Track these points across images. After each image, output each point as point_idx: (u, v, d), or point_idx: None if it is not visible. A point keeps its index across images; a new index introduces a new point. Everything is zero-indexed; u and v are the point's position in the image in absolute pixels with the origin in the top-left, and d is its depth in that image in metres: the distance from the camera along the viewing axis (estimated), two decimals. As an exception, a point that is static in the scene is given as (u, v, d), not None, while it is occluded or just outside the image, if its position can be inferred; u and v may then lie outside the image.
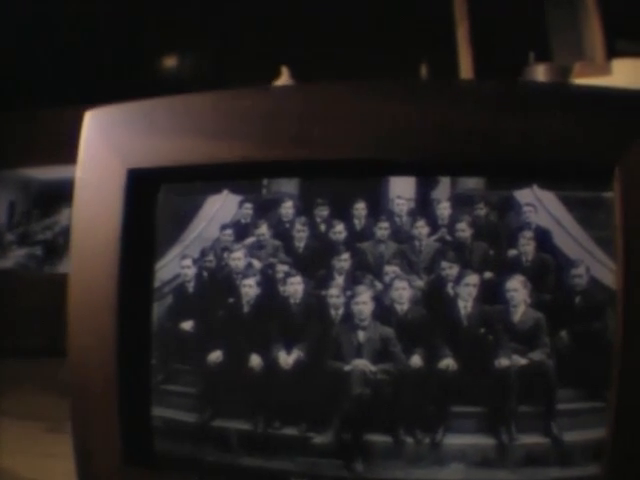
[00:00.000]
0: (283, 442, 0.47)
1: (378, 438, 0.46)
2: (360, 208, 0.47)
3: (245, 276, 0.49)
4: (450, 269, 0.46)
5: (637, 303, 0.42)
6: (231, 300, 0.49)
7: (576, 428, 0.44)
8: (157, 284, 0.50)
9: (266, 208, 0.49)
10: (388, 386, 0.46)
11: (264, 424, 0.48)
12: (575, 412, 0.44)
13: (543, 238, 0.45)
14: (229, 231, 0.49)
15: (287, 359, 0.47)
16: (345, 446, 0.46)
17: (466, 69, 1.05)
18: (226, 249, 0.49)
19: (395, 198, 0.47)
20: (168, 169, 0.49)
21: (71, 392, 0.51)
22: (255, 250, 0.49)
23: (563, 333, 0.44)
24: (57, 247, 1.00)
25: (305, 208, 0.48)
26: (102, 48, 1.22)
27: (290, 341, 0.47)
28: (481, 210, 0.46)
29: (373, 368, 0.46)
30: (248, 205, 0.49)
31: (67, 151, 0.57)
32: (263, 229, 0.49)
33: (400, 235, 0.47)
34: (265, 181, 0.49)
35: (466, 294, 0.45)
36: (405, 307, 0.46)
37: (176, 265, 0.50)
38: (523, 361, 0.44)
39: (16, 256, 1.02)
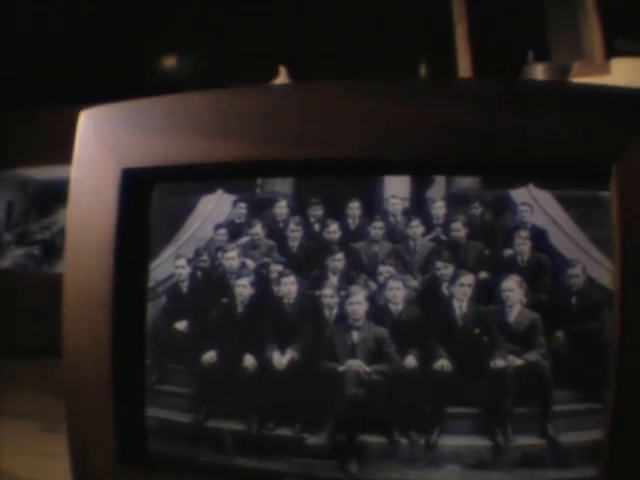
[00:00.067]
0: (277, 443, 0.47)
1: (372, 439, 0.46)
2: (354, 208, 0.47)
3: (239, 276, 0.49)
4: (445, 269, 0.45)
5: (634, 303, 0.41)
6: (225, 300, 0.49)
7: (572, 429, 0.43)
8: (151, 284, 0.50)
9: (260, 208, 0.49)
10: (382, 387, 0.45)
11: (258, 425, 0.48)
12: (571, 413, 0.44)
13: (539, 238, 0.45)
14: (223, 231, 0.49)
15: (281, 359, 0.47)
16: (339, 447, 0.46)
17: (465, 68, 1.05)
18: (220, 249, 0.49)
19: (390, 197, 0.46)
20: (162, 169, 0.49)
21: (66, 392, 0.51)
22: (249, 250, 0.49)
23: (559, 333, 0.44)
24: (55, 247, 1.00)
25: (299, 208, 0.48)
26: (102, 48, 1.22)
27: (284, 341, 0.47)
28: (476, 209, 0.45)
29: (367, 369, 0.46)
30: (242, 205, 0.49)
31: (65, 151, 0.57)
32: (257, 229, 0.49)
33: (394, 235, 0.46)
34: (259, 181, 0.49)
35: (461, 294, 0.45)
36: (399, 307, 0.46)
37: (170, 265, 0.50)
38: (519, 362, 0.44)
39: (14, 256, 1.02)
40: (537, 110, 0.43)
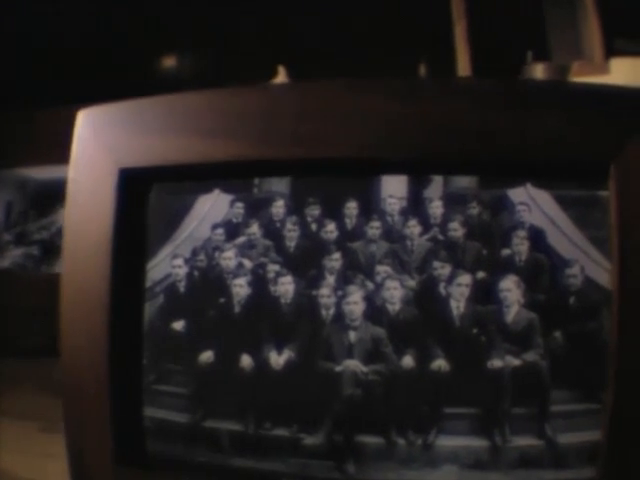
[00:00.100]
0: (274, 443, 0.47)
1: (370, 439, 0.45)
2: (351, 207, 0.47)
3: (236, 276, 0.48)
4: (442, 269, 0.45)
5: (633, 303, 0.41)
6: (222, 300, 0.49)
7: (571, 430, 0.43)
8: (148, 284, 0.50)
9: (257, 207, 0.49)
10: (379, 387, 0.45)
11: (255, 425, 0.47)
12: (570, 414, 0.43)
13: (537, 237, 0.44)
14: (220, 230, 0.49)
15: (278, 359, 0.47)
16: (336, 447, 0.46)
17: (464, 68, 1.05)
18: (217, 248, 0.49)
19: (387, 197, 0.46)
20: (160, 168, 0.49)
21: (64, 392, 0.51)
22: (246, 250, 0.49)
23: (557, 333, 0.44)
24: (54, 247, 0.99)
25: (296, 207, 0.48)
26: (101, 48, 1.22)
27: (281, 341, 0.47)
28: (474, 209, 0.45)
29: (364, 369, 0.46)
30: (239, 204, 0.49)
31: (64, 151, 0.57)
32: (254, 228, 0.49)
33: (392, 234, 0.46)
34: (256, 180, 0.49)
35: (458, 294, 0.45)
36: (397, 307, 0.45)
37: (167, 265, 0.50)
38: (516, 362, 0.44)
39: (13, 256, 1.02)
40: (536, 110, 0.43)
